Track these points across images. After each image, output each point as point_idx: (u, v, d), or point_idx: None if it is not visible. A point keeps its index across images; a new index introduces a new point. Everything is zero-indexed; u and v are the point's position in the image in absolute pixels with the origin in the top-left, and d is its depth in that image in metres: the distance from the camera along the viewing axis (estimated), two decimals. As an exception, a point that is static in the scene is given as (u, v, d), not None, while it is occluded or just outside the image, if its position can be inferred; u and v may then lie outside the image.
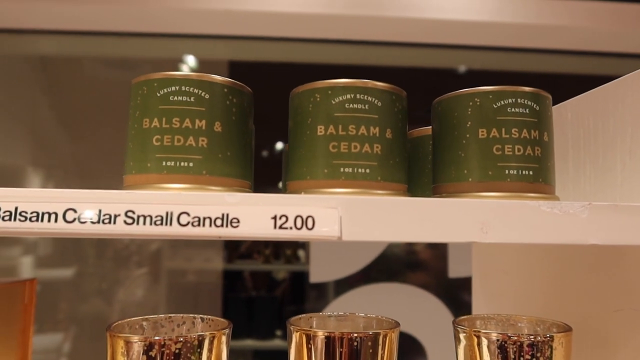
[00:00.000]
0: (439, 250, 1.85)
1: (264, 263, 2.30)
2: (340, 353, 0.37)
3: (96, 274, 1.97)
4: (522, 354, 0.38)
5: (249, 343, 2.05)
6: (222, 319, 0.40)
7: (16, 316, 0.58)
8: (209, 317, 0.41)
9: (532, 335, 0.38)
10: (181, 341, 0.35)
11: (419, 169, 0.48)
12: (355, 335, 0.37)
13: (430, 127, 0.47)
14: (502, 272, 0.62)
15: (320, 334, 0.37)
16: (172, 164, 0.34)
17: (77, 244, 2.02)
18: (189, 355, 0.35)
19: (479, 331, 0.39)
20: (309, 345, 0.38)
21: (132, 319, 0.40)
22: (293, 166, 0.37)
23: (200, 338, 0.35)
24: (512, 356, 0.38)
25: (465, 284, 1.75)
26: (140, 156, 0.35)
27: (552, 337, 0.38)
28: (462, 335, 0.41)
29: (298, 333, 0.39)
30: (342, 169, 0.35)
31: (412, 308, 1.65)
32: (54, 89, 2.00)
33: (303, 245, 2.34)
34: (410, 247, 1.95)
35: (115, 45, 1.82)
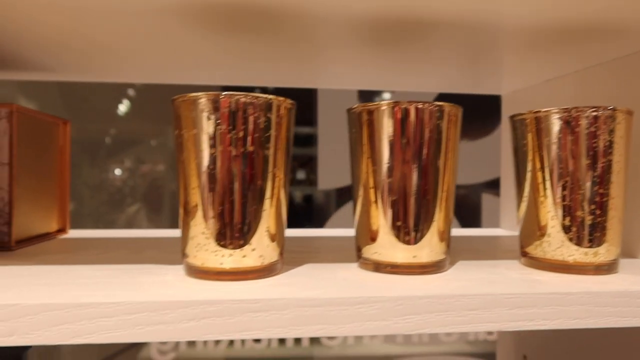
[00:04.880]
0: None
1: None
2: (404, 123, 0.37)
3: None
4: (587, 127, 0.38)
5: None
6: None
7: (54, 154, 0.58)
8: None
9: (594, 108, 0.38)
10: (251, 102, 0.34)
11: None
12: (420, 105, 0.37)
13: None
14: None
15: (385, 105, 0.37)
16: None
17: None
18: (258, 115, 0.34)
19: (538, 111, 0.40)
20: (371, 119, 0.38)
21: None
22: None
23: (269, 101, 0.35)
24: (575, 130, 0.38)
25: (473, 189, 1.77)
26: None
27: (614, 110, 0.38)
28: (524, 121, 0.41)
29: (360, 110, 0.38)
30: None
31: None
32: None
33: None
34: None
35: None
